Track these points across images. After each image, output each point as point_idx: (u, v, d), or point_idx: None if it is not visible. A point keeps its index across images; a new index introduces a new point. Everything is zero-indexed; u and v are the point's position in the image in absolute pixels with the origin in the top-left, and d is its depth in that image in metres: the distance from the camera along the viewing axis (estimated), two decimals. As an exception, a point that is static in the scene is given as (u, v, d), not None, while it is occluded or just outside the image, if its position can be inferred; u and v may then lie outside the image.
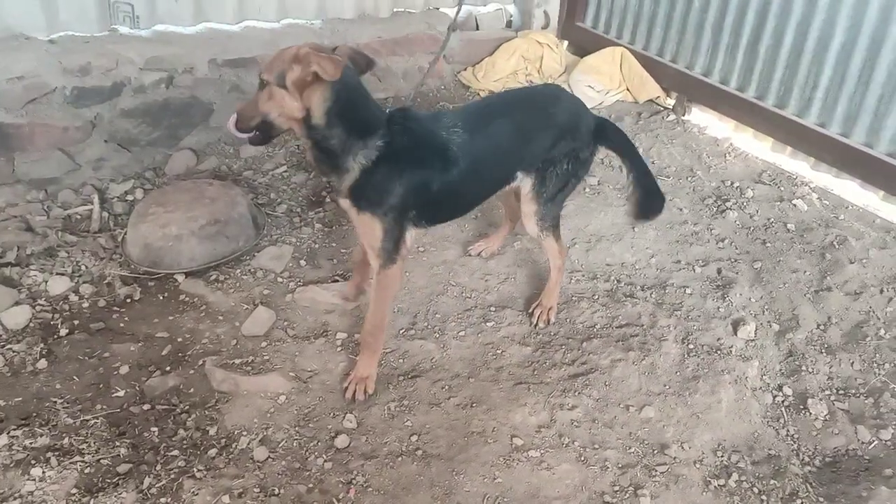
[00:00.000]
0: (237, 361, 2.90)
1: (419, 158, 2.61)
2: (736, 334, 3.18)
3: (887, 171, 3.91)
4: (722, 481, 2.57)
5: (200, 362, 2.89)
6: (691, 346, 3.11)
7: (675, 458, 2.64)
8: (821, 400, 2.90)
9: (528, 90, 3.37)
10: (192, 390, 2.77)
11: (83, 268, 3.29)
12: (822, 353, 3.12)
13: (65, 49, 3.78)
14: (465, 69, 5.36)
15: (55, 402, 2.66)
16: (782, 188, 4.20)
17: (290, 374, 2.87)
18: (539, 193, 2.94)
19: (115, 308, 3.14)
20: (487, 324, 3.18)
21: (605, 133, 3.03)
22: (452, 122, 2.69)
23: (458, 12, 4.20)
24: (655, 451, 2.66)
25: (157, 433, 2.58)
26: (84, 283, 3.22)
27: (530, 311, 3.22)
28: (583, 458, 2.61)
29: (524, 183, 2.94)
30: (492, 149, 2.77)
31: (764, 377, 3.01)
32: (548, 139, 2.87)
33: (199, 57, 4.16)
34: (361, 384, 2.79)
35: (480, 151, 2.71)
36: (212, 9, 4.37)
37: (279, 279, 3.37)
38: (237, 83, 4.29)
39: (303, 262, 3.48)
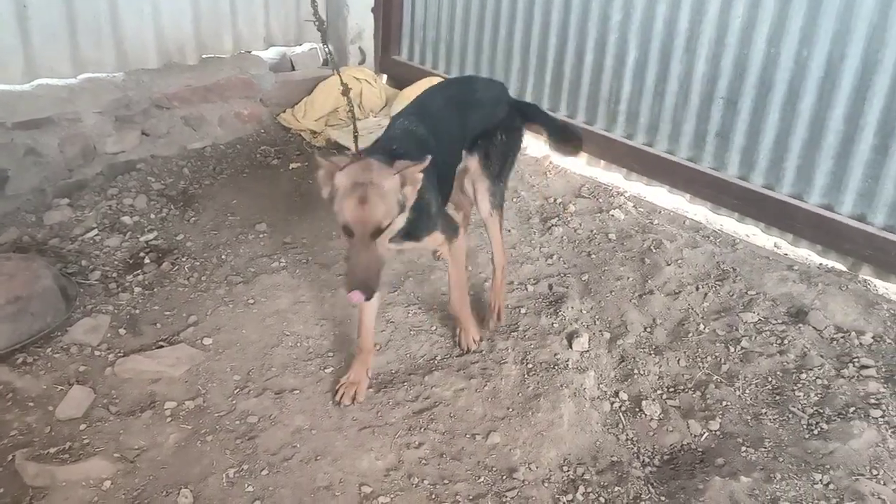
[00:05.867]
0: (52, 450, 2.63)
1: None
2: (571, 347, 3.26)
3: (689, 175, 4.18)
4: (570, 496, 2.60)
5: (10, 458, 2.59)
6: (530, 366, 3.15)
7: (523, 480, 2.65)
8: (654, 400, 3.02)
9: (447, 83, 3.70)
10: (1, 491, 2.49)
11: None
12: (650, 354, 3.26)
13: None
14: (284, 111, 5.26)
15: None
16: (601, 200, 4.40)
17: (115, 455, 2.64)
18: (486, 167, 3.20)
19: None
20: (326, 371, 3.08)
21: (524, 110, 3.46)
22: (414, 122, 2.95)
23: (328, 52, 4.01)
24: (504, 477, 2.66)
25: (-41, 548, 2.29)
26: None
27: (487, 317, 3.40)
28: (434, 496, 2.56)
29: (471, 161, 3.21)
30: (445, 134, 3.04)
31: (601, 386, 3.10)
32: (479, 117, 3.20)
33: (-15, 122, 3.83)
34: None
35: (441, 137, 2.98)
36: (-5, 69, 4.06)
37: (97, 352, 3.12)
38: (32, 146, 3.98)
39: (122, 331, 3.25)
